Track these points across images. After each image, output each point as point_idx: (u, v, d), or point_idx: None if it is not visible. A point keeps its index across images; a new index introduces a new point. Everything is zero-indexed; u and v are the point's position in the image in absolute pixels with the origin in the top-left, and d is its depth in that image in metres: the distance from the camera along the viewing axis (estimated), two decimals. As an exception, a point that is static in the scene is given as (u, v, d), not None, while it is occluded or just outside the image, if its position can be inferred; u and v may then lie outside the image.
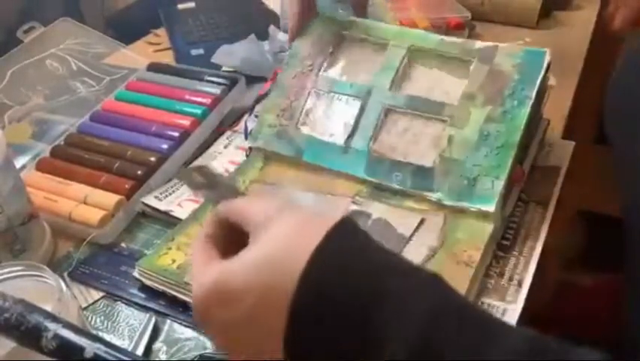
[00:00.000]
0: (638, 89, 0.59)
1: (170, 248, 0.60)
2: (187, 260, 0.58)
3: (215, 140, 0.78)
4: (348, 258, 0.39)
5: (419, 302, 0.37)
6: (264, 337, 0.40)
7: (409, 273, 0.39)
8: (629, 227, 0.59)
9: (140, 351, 0.54)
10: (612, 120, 0.64)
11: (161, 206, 0.67)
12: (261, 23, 0.97)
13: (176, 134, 0.74)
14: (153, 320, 0.57)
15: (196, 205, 0.66)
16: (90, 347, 0.40)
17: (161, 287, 0.58)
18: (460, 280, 0.53)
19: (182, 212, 0.66)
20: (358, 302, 0.37)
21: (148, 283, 0.59)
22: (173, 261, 0.59)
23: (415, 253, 0.56)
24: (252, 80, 0.86)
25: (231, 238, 0.44)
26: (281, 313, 0.38)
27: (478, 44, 0.64)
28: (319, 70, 0.69)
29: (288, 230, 0.40)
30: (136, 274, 0.60)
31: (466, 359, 0.35)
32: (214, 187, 0.46)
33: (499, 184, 0.58)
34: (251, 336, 0.41)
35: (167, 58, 0.95)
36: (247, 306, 0.39)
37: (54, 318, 0.42)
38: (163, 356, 0.54)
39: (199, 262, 0.42)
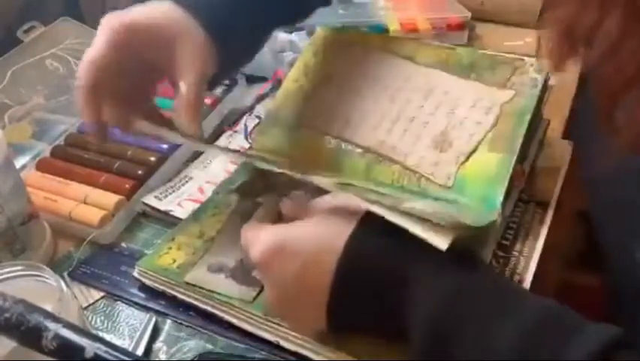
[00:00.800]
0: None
1: (170, 248, 0.60)
2: (187, 260, 0.59)
3: (215, 140, 0.78)
4: (387, 231, 0.44)
5: (442, 281, 0.42)
6: (310, 298, 0.46)
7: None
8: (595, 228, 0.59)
9: (140, 351, 0.54)
10: (575, 127, 0.65)
11: (161, 206, 0.67)
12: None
13: (176, 134, 0.74)
14: (153, 319, 0.57)
15: (196, 205, 0.66)
16: (90, 347, 0.40)
17: (161, 287, 0.58)
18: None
19: (182, 212, 0.66)
20: (394, 272, 0.44)
21: (148, 283, 0.59)
22: (174, 261, 0.59)
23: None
24: (252, 80, 0.86)
25: None
26: (327, 274, 0.45)
27: None
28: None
29: (334, 209, 0.48)
30: (136, 274, 0.60)
31: (480, 335, 0.40)
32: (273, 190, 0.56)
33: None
34: (299, 295, 0.47)
35: (167, 58, 0.95)
36: (299, 265, 0.46)
37: (54, 318, 0.42)
38: (163, 356, 0.54)
39: (258, 227, 0.50)
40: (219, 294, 0.55)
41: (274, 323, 0.53)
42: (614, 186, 0.49)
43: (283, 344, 0.53)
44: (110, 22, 0.53)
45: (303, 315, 0.49)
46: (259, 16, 0.61)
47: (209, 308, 0.56)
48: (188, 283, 0.56)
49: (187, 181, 0.71)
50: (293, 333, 0.52)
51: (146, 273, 0.59)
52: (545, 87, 0.66)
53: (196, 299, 0.56)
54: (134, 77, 0.56)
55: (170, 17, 0.54)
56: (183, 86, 0.53)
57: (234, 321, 0.55)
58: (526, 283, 0.56)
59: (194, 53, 0.53)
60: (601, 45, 0.36)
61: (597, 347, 0.37)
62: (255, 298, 0.54)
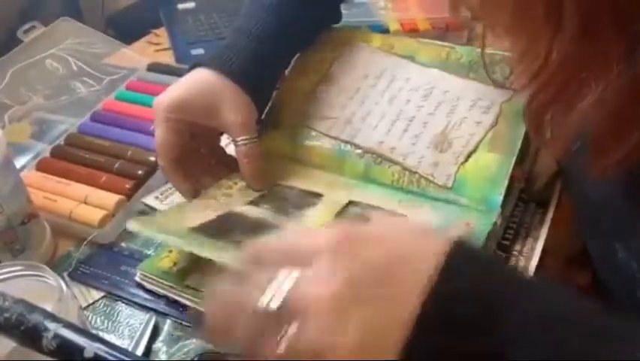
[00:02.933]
0: None
1: (171, 251, 0.60)
2: (188, 262, 0.58)
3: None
4: (481, 261, 0.37)
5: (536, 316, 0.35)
6: (388, 301, 0.35)
7: (526, 289, 0.37)
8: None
9: (140, 351, 0.54)
10: None
11: (162, 207, 0.67)
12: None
13: (176, 134, 0.74)
14: (153, 319, 0.57)
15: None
16: (90, 347, 0.40)
17: (163, 291, 0.58)
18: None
19: (182, 212, 0.66)
20: (487, 306, 0.34)
21: (149, 287, 0.59)
22: (174, 263, 0.59)
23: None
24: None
25: None
26: (422, 275, 0.34)
27: None
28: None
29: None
30: (137, 278, 0.60)
31: None
32: None
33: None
34: (374, 290, 0.35)
35: (167, 58, 0.95)
36: (388, 253, 0.36)
37: (54, 318, 0.41)
38: (163, 356, 0.54)
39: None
40: None
41: None
42: (596, 188, 0.49)
43: None
44: (162, 104, 0.60)
45: (370, 320, 0.35)
46: (282, 53, 0.68)
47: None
48: (189, 287, 0.56)
49: (187, 181, 0.71)
50: None
51: (148, 277, 0.59)
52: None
53: (197, 303, 0.56)
54: (198, 139, 0.64)
55: (210, 83, 0.61)
56: (237, 143, 0.61)
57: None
58: (526, 283, 0.56)
59: (237, 109, 0.61)
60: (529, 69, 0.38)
61: None
62: None
